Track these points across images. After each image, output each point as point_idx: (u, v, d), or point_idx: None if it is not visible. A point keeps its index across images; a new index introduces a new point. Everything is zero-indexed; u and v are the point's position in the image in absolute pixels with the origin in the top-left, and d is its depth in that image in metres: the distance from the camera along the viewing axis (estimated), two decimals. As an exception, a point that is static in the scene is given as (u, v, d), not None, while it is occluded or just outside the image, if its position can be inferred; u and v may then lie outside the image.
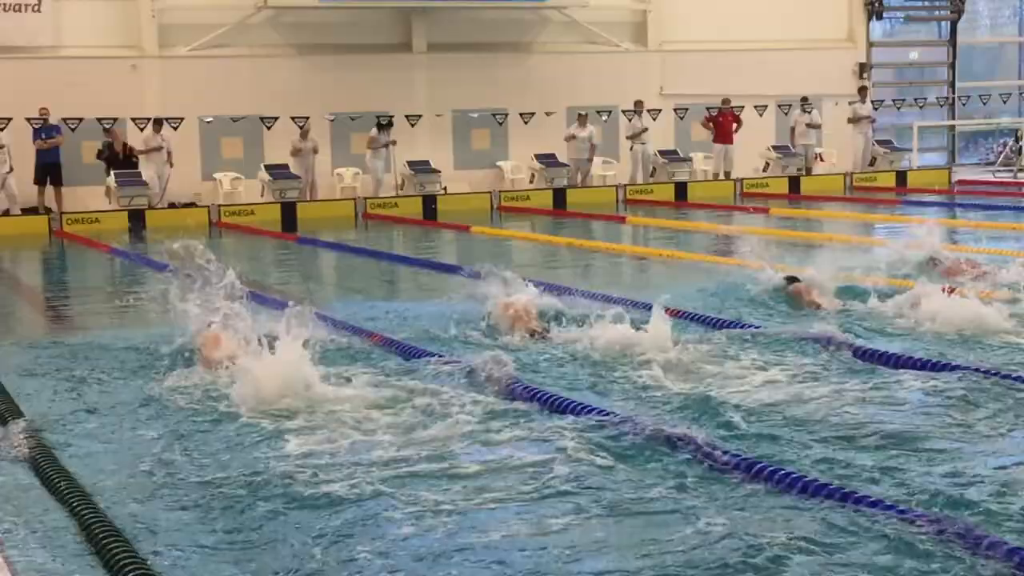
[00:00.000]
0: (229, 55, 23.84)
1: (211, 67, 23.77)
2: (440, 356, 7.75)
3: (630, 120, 25.49)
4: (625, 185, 24.70)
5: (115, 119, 22.68)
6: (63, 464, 5.81)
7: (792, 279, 9.92)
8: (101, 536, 4.71)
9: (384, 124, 23.77)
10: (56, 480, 5.48)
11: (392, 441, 6.06)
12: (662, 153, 25.96)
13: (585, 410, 6.31)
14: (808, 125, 26.05)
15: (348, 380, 7.20)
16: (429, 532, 4.80)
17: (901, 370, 7.13)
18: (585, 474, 5.42)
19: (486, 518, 4.94)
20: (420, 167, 24.41)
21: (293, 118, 23.46)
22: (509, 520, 4.89)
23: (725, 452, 5.49)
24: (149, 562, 4.49)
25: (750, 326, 8.59)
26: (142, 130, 22.71)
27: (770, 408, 6.44)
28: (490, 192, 24.09)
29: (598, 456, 5.62)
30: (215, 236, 19.91)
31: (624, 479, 5.35)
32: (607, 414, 6.20)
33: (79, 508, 5.05)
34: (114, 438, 6.44)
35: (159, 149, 22.34)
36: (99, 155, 22.34)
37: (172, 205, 22.71)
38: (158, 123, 22.51)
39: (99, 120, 22.51)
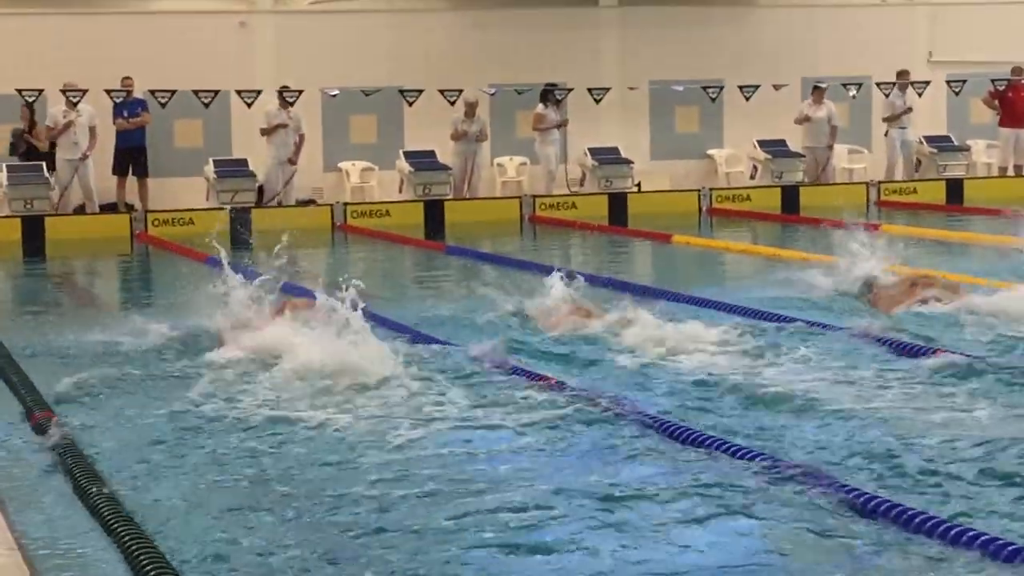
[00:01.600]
0: (362, 8, 24.26)
1: (339, 25, 24.06)
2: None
3: (887, 96, 24.85)
4: (879, 182, 24.09)
5: (215, 92, 21.95)
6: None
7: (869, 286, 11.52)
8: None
9: (554, 97, 23.39)
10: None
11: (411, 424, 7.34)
12: (929, 140, 25.47)
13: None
14: None
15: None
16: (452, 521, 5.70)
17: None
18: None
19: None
20: (606, 156, 24.08)
21: (442, 91, 22.78)
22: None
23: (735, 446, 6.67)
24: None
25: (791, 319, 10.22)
26: (249, 105, 22.21)
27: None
28: (698, 190, 23.58)
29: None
30: (338, 243, 20.60)
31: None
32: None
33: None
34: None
35: (284, 127, 22.03)
36: (12, 149, 21.87)
37: (278, 202, 22.48)
38: (285, 96, 22.11)
39: (196, 93, 21.85)
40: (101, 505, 5.95)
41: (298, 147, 22.10)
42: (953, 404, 7.52)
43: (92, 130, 21.28)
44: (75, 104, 21.15)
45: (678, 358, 8.95)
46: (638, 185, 23.66)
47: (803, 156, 24.24)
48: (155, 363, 9.42)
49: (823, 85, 24.17)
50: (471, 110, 22.78)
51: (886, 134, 24.67)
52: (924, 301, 10.59)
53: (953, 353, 8.65)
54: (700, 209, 22.76)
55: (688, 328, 9.47)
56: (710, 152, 25.35)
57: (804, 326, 9.93)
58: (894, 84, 24.54)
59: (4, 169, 21.21)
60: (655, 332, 9.38)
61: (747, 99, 24.13)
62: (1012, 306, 10.08)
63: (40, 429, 7.50)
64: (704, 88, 24.18)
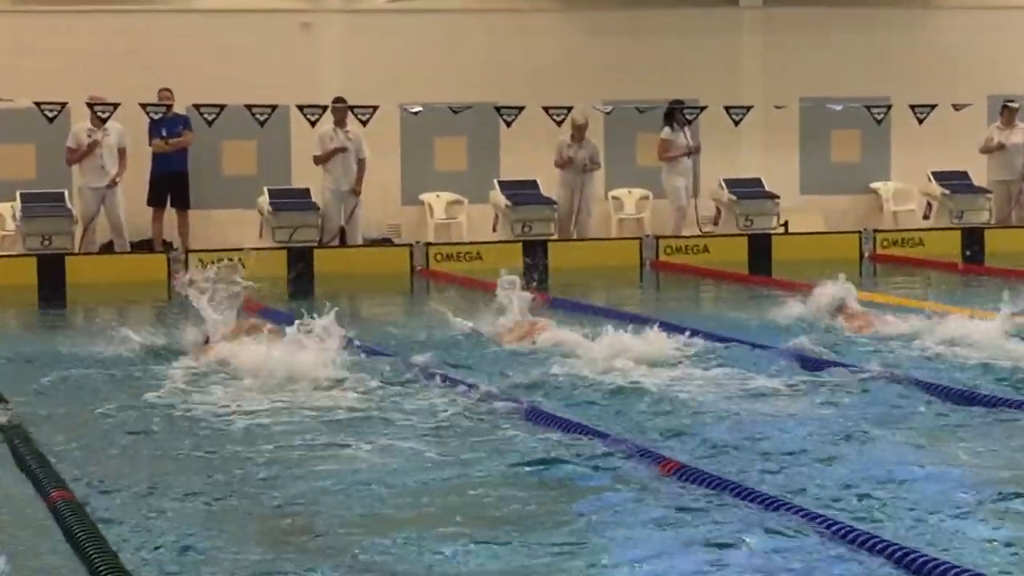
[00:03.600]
0: (450, 8, 24.30)
1: (422, 27, 24.19)
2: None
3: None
4: (1088, 226, 24.26)
5: (272, 108, 21.70)
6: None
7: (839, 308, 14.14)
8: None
9: (683, 117, 23.24)
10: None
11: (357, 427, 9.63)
12: None
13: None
14: None
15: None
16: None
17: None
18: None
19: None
20: (746, 190, 23.87)
21: (547, 109, 22.50)
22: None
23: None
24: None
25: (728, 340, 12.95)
26: (313, 124, 21.99)
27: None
28: (858, 231, 23.40)
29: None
30: (417, 291, 20.79)
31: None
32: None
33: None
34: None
35: (343, 151, 22.05)
36: None
37: (342, 241, 22.58)
38: (341, 112, 22.06)
39: (249, 109, 21.57)
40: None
41: (360, 174, 22.16)
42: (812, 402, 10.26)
43: (121, 152, 21.31)
44: (103, 120, 21.07)
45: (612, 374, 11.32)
46: (785, 225, 23.49)
47: (989, 192, 24.11)
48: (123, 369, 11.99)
49: (1015, 104, 23.95)
50: (580, 132, 22.70)
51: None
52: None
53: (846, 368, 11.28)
54: (861, 255, 22.62)
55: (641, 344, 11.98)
56: (874, 186, 25.10)
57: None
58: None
59: (18, 198, 21.46)
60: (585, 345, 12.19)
61: (920, 121, 23.66)
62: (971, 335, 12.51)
63: None
64: (867, 108, 23.68)
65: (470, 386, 10.53)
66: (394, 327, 14.88)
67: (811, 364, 11.71)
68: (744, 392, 10.73)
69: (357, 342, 12.19)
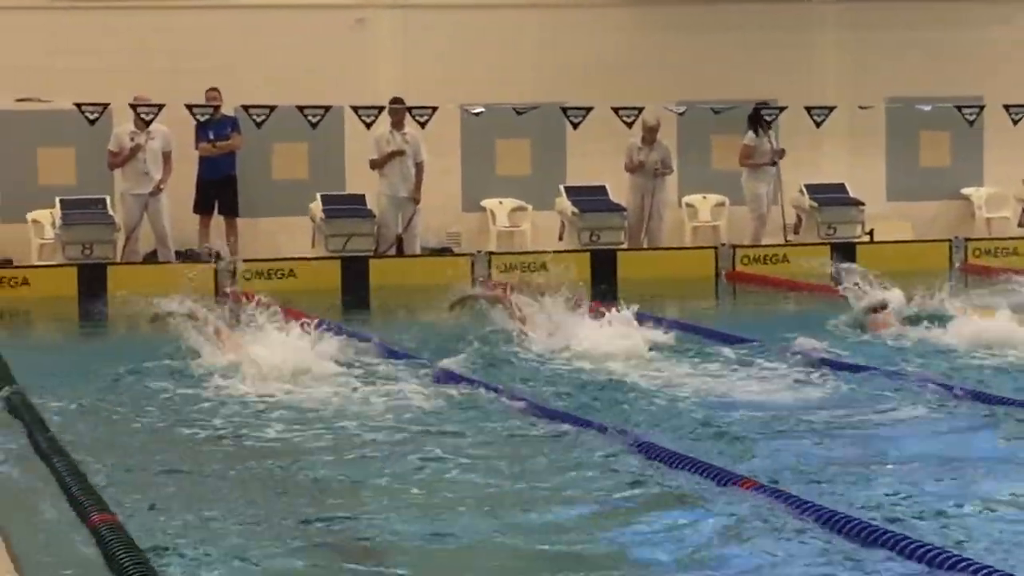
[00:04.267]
0: (514, 2, 24.38)
1: (483, 23, 24.26)
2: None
3: None
4: None
5: (325, 109, 21.72)
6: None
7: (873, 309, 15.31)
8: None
9: (764, 119, 23.23)
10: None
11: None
12: None
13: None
14: None
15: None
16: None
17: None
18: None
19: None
20: (829, 196, 23.85)
21: (616, 109, 22.44)
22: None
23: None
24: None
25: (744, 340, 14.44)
26: (368, 126, 21.96)
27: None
28: (949, 240, 23.35)
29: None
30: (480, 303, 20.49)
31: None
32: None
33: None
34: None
35: (400, 155, 22.00)
36: None
37: (399, 251, 22.61)
38: (398, 113, 22.03)
39: (300, 110, 21.61)
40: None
41: (419, 179, 22.20)
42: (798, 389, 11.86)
43: (166, 156, 21.36)
44: (147, 123, 21.10)
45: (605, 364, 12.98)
46: (870, 233, 23.42)
47: (1092, 199, 23.85)
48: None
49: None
50: (652, 134, 22.61)
51: None
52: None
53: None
54: (951, 265, 22.52)
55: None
56: (965, 191, 25.11)
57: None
58: None
59: (58, 205, 21.53)
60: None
61: (1015, 122, 23.68)
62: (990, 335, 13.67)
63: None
64: (958, 108, 23.70)
65: (584, 423, 10.59)
66: (452, 341, 14.74)
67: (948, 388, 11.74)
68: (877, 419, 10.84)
69: (438, 362, 12.89)
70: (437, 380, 12.27)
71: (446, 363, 12.81)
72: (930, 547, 7.20)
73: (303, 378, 12.18)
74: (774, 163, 23.09)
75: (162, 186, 21.17)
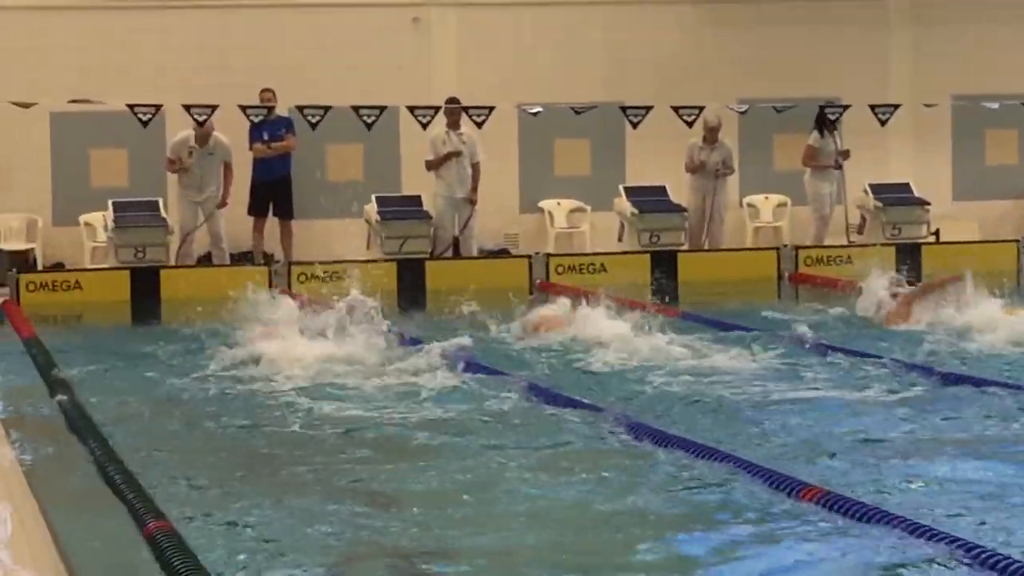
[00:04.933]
0: (568, 1, 24.50)
1: (541, 21, 24.34)
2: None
3: None
4: None
5: (380, 109, 21.81)
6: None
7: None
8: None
9: (830, 120, 23.25)
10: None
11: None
12: None
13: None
14: None
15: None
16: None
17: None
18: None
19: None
20: (893, 195, 23.88)
21: (676, 109, 22.47)
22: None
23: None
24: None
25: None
26: (425, 126, 22.03)
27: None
28: (1016, 240, 23.28)
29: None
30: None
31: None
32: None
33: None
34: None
35: (457, 155, 22.10)
36: None
37: (456, 252, 22.65)
38: (454, 113, 22.09)
39: (356, 110, 21.71)
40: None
41: (475, 180, 22.27)
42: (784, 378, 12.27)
43: (227, 168, 21.61)
44: (201, 123, 21.26)
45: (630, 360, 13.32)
46: (936, 233, 23.47)
47: None
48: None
49: None
50: (713, 134, 22.65)
51: None
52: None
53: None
54: (1020, 267, 22.41)
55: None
56: None
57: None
58: None
59: (110, 207, 21.63)
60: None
61: None
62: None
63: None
64: None
65: (615, 416, 10.84)
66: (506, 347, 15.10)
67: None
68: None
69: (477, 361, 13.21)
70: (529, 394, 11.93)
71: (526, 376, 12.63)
72: (917, 524, 7.39)
73: (386, 390, 12.05)
74: (839, 166, 23.17)
75: (227, 201, 21.41)
